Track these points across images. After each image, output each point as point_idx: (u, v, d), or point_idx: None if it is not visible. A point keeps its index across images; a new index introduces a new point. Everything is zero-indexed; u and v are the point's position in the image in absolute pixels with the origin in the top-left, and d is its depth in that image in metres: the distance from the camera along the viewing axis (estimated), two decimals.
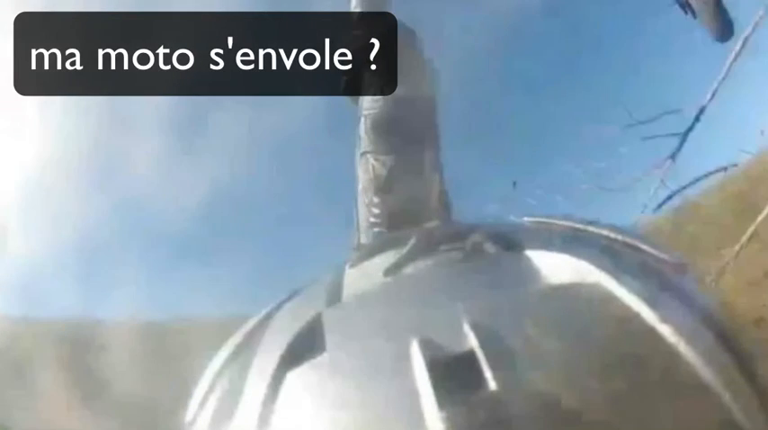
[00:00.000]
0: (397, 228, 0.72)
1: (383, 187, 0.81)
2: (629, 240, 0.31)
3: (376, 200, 0.80)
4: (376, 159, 0.83)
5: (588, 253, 0.27)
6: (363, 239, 0.77)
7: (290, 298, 0.33)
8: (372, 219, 0.81)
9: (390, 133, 0.83)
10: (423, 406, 0.21)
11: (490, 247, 0.31)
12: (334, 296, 0.30)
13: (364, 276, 0.31)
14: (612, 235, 0.32)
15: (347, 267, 0.33)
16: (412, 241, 0.31)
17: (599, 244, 0.31)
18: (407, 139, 0.83)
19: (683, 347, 0.23)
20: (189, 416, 0.30)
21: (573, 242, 0.30)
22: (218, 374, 0.30)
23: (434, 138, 0.84)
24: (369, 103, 0.85)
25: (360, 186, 0.84)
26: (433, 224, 0.33)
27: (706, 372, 0.22)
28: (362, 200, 0.83)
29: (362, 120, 0.86)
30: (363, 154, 0.85)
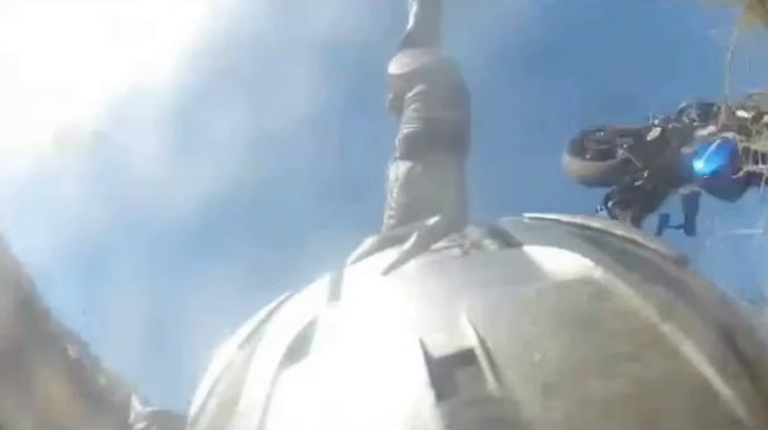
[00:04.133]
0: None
1: (402, 188, 0.88)
2: (629, 235, 0.31)
3: (394, 197, 0.87)
4: (403, 165, 0.90)
5: (588, 249, 0.27)
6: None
7: (290, 298, 0.33)
8: (390, 212, 0.88)
9: (420, 146, 0.93)
10: (422, 404, 0.21)
11: (490, 244, 0.31)
12: (334, 295, 0.30)
13: (364, 275, 0.31)
14: (612, 230, 0.31)
15: (347, 266, 0.33)
16: (411, 239, 0.31)
17: (599, 239, 0.30)
18: (434, 153, 0.91)
19: (683, 345, 0.23)
20: (192, 414, 0.30)
21: (572, 238, 0.30)
22: (220, 374, 0.30)
23: (460, 154, 0.92)
24: (407, 119, 0.94)
25: (387, 186, 0.91)
26: (432, 221, 0.33)
27: (707, 369, 0.22)
28: (387, 198, 0.90)
29: (400, 130, 0.95)
30: (395, 159, 0.94)
